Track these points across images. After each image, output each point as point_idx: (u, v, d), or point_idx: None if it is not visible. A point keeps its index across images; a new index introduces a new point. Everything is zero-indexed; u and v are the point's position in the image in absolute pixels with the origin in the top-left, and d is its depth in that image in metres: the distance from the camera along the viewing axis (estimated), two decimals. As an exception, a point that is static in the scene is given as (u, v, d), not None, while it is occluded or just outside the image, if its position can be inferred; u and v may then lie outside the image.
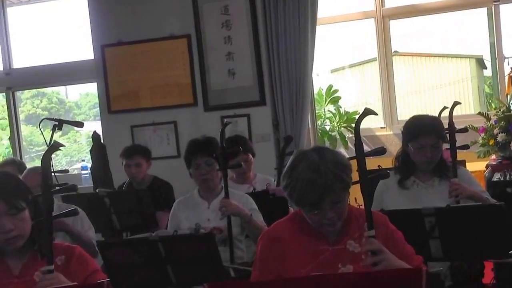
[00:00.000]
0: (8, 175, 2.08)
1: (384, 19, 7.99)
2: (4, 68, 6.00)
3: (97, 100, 6.94)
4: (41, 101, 7.06)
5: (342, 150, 8.57)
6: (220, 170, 3.16)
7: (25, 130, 6.75)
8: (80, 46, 5.90)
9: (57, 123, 3.87)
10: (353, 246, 1.97)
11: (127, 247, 2.80)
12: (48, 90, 6.79)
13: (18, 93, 6.18)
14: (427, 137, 2.80)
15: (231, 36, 5.05)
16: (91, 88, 6.74)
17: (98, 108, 6.75)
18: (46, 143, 3.88)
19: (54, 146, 1.97)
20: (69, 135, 7.05)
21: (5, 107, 6.84)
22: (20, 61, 6.07)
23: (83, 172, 5.78)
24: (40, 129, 3.84)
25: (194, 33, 5.16)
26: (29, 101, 6.07)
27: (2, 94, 6.10)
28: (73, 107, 7.07)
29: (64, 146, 4.14)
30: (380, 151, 1.98)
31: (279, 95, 4.98)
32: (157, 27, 5.28)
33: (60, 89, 7.00)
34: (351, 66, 8.55)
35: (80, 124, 4.06)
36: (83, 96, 7.27)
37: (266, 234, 2.14)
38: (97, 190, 4.14)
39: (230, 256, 3.11)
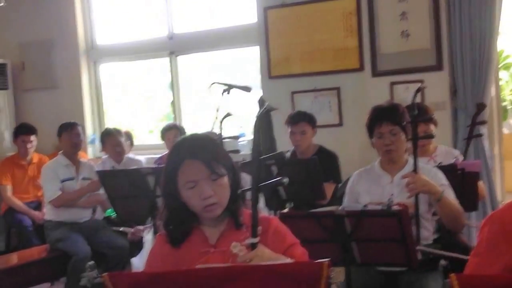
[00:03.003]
0: (210, 139, 1.95)
1: None
2: (168, 33, 6.04)
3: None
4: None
5: (512, 123, 7.81)
6: (411, 140, 2.84)
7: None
8: (243, 10, 5.77)
9: (226, 87, 3.76)
10: None
11: (309, 220, 2.60)
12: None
13: (152, 60, 6.22)
14: None
15: (406, -6, 4.62)
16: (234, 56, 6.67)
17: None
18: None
19: (268, 109, 1.78)
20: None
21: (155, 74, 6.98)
22: (182, 26, 6.07)
23: (240, 139, 5.70)
24: (211, 92, 3.76)
25: (365, -9, 4.80)
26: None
27: (166, 58, 6.15)
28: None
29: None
30: None
31: (459, 59, 4.49)
32: (324, -13, 5.00)
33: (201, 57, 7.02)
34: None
35: (248, 89, 3.91)
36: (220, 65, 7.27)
37: (496, 216, 1.77)
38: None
39: (416, 237, 2.79)
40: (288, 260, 1.73)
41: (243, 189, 1.90)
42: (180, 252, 1.88)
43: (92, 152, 6.27)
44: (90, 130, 6.29)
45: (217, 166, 1.82)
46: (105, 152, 5.16)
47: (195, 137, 1.96)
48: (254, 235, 1.76)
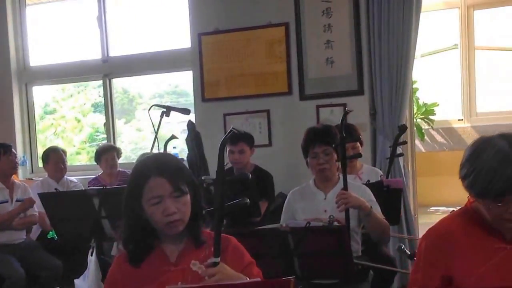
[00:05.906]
0: (174, 158, 2.03)
1: (468, 9, 7.79)
2: (102, 56, 6.09)
3: (158, 91, 7.07)
4: (106, 90, 7.19)
5: (417, 143, 8.42)
6: (340, 161, 3.10)
7: (94, 117, 6.90)
8: (177, 35, 5.94)
9: (165, 109, 3.87)
10: None
11: (254, 237, 2.75)
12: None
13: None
14: None
15: (331, 24, 4.95)
16: (154, 79, 6.83)
17: (158, 98, 6.86)
18: (154, 128, 3.90)
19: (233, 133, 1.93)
20: (132, 123, 7.14)
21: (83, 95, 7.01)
22: (117, 50, 6.14)
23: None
24: (149, 115, 3.86)
25: (294, 21, 5.09)
26: (95, 90, 6.15)
27: (99, 81, 6.22)
28: (135, 97, 7.19)
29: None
30: None
31: (378, 84, 4.85)
32: (255, 15, 5.24)
33: (125, 80, 7.14)
34: (422, 55, 8.32)
35: (186, 111, 4.06)
36: (144, 86, 7.42)
37: (432, 231, 2.00)
38: (202, 178, 4.13)
39: (348, 249, 3.04)
40: (253, 279, 1.82)
41: (207, 209, 1.96)
42: (140, 271, 1.90)
43: (22, 174, 6.20)
44: (20, 152, 6.21)
45: (181, 183, 1.88)
46: (46, 170, 5.15)
47: (160, 156, 2.08)
48: (216, 254, 1.80)
